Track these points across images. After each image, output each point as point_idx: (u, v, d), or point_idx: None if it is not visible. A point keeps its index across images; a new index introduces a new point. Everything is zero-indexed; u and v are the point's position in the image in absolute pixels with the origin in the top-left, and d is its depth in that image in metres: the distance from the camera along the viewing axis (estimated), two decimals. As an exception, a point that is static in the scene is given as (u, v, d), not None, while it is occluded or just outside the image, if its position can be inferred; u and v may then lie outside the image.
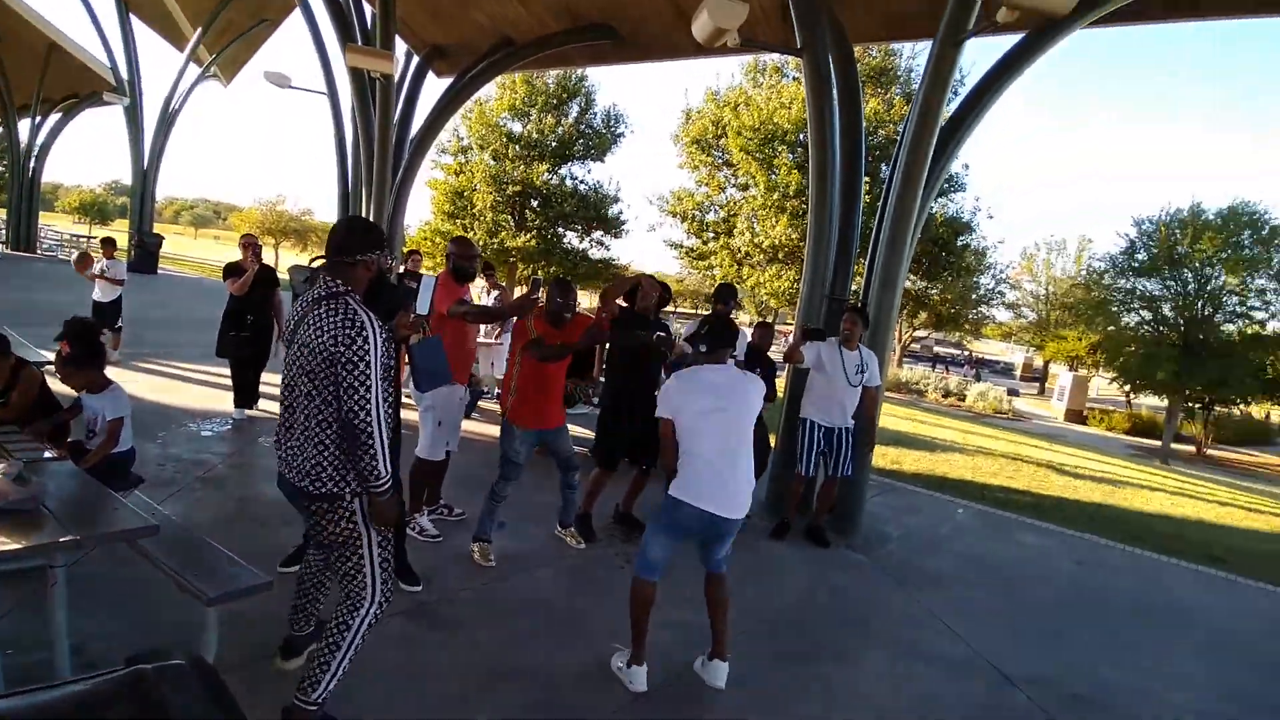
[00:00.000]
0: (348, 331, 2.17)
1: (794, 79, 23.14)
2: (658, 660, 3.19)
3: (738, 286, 26.48)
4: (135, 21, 17.71)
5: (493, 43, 10.16)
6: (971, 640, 4.01)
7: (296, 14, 11.30)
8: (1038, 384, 43.16)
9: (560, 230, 27.26)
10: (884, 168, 20.92)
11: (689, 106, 26.73)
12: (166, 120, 18.68)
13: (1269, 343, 26.46)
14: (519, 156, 25.36)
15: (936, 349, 50.88)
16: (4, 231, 21.46)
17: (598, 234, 28.06)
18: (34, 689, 0.87)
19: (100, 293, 8.00)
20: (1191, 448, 28.63)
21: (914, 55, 22.86)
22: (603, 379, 5.26)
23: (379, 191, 9.62)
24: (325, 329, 2.18)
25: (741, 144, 23.43)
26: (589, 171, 27.82)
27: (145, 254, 19.09)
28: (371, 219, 9.33)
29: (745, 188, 25.66)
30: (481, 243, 24.23)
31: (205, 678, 1.01)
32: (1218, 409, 29.36)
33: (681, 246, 28.01)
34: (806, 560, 4.94)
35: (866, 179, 6.00)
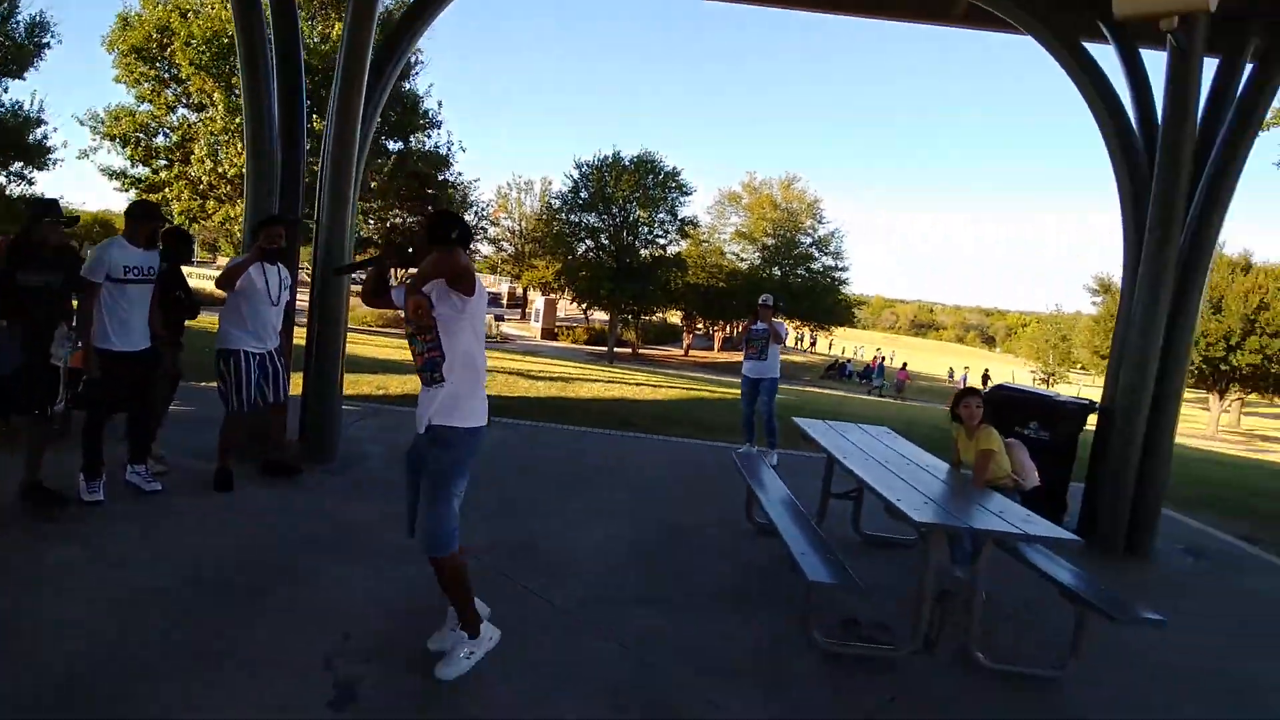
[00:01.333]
0: None
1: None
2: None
3: (201, 224, 22.75)
4: None
5: None
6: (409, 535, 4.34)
7: None
8: (520, 310, 48.42)
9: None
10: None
11: (126, 9, 21.25)
12: None
13: (669, 263, 34.97)
14: None
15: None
16: None
17: (17, 165, 21.04)
18: None
19: None
20: (629, 350, 36.16)
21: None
22: None
23: None
24: None
25: (192, 56, 19.80)
26: (5, 90, 20.42)
27: None
28: None
29: (201, 108, 21.86)
30: None
31: None
32: (644, 317, 37.76)
33: (127, 177, 22.69)
34: (268, 492, 4.65)
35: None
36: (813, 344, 54.42)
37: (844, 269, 38.84)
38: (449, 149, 27.42)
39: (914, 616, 3.36)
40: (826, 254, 38.66)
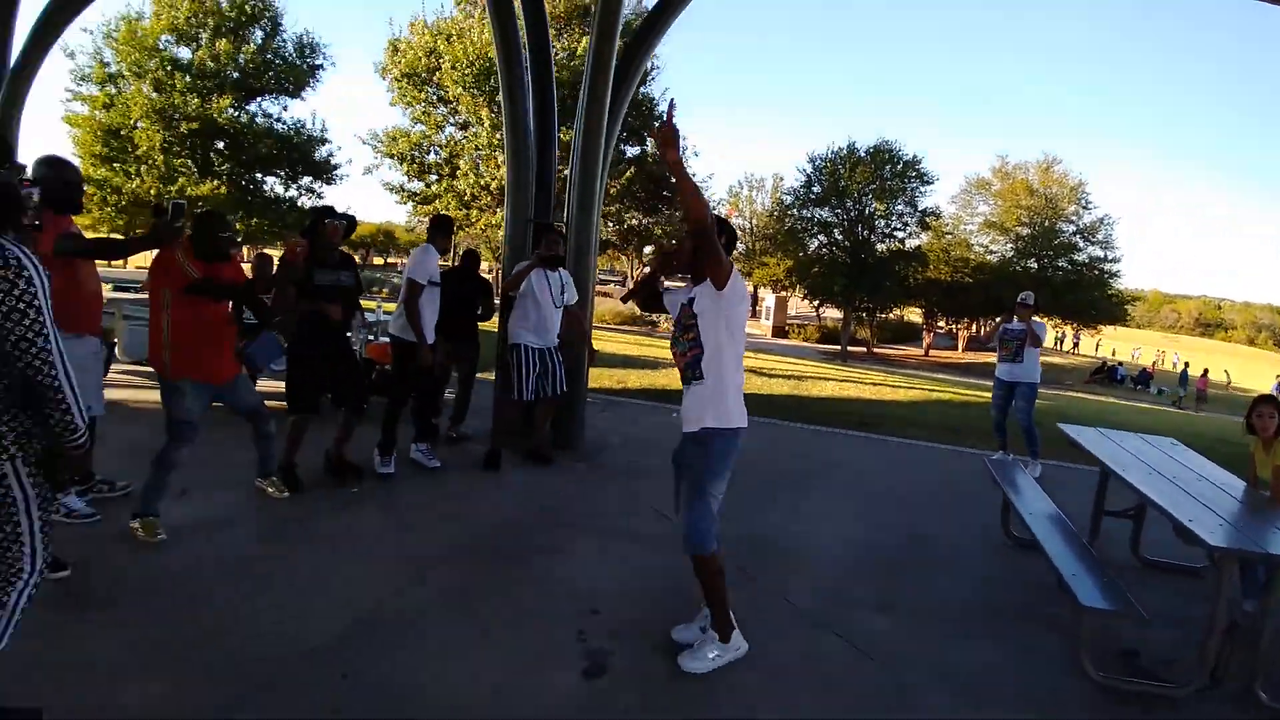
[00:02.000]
0: (2, 273, 1.83)
1: (508, 10, 22.50)
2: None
3: (465, 230, 25.79)
4: None
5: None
6: (671, 515, 4.49)
7: None
8: (750, 307, 48.55)
9: (259, 176, 24.09)
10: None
11: (396, 37, 24.68)
12: None
13: (908, 257, 32.77)
14: (190, 88, 21.59)
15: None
16: None
17: (306, 179, 25.22)
18: None
19: None
20: (864, 348, 34.53)
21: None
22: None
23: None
24: None
25: (458, 78, 22.40)
26: (285, 109, 24.74)
27: None
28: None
29: (466, 126, 24.69)
30: (153, 190, 20.53)
31: None
32: (880, 315, 35.84)
33: (404, 190, 26.37)
34: (527, 475, 5.11)
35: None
36: (1075, 344, 47.88)
37: (1114, 260, 33.76)
38: (682, 152, 28.23)
39: (1201, 651, 2.90)
40: (1094, 243, 33.86)
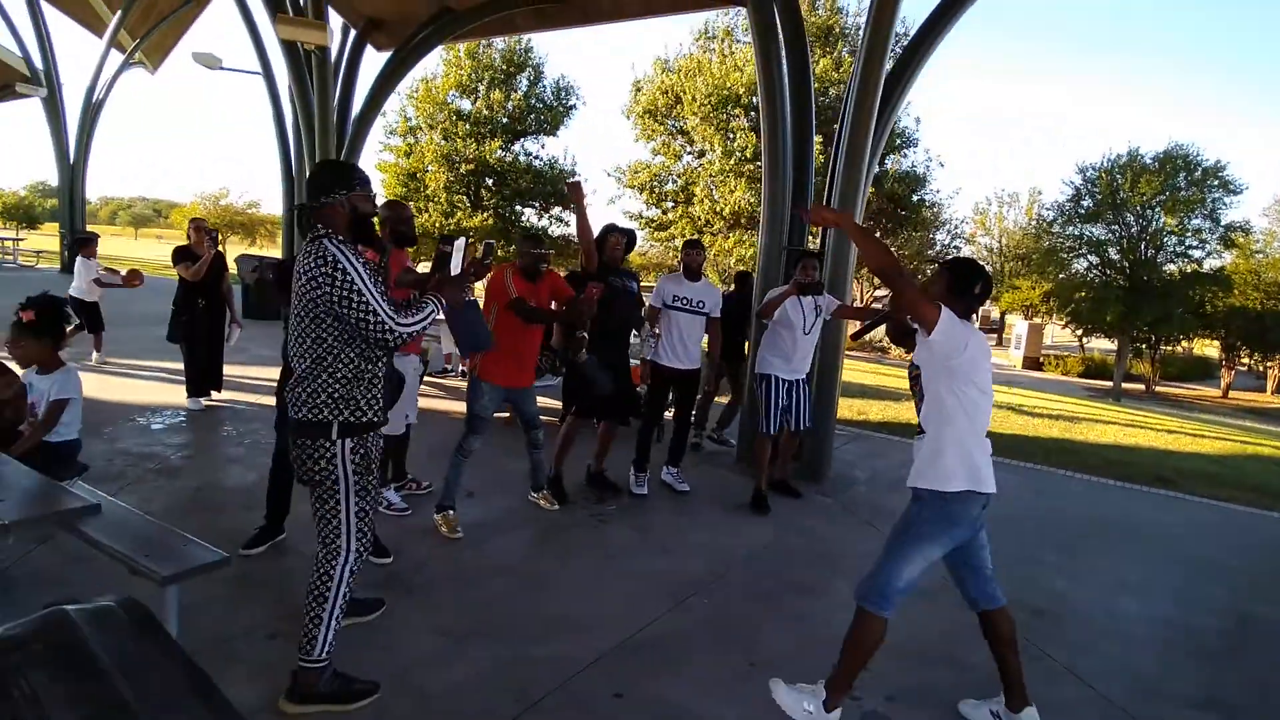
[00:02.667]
0: (324, 269, 2.20)
1: (746, 43, 23.01)
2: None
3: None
4: (46, 8, 16.75)
5: (431, 11, 9.87)
6: (938, 566, 4.12)
7: (222, -8, 10.82)
8: (995, 335, 44.11)
9: (518, 208, 26.87)
10: (837, 129, 20.97)
11: (638, 78, 26.45)
12: (90, 112, 17.80)
13: (1205, 280, 27.47)
14: (470, 134, 24.81)
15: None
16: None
17: (556, 210, 27.68)
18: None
19: (83, 291, 7.56)
20: (1141, 385, 29.63)
21: (859, 12, 22.89)
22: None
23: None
24: (301, 271, 2.25)
25: (696, 110, 23.27)
26: (543, 146, 27.37)
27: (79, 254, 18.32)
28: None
29: (702, 155, 25.51)
30: (437, 224, 23.79)
31: (136, 617, 0.96)
32: (1164, 347, 30.48)
33: (641, 218, 27.86)
34: (776, 507, 5.00)
35: (818, 139, 5.98)
36: None
37: None
38: (926, 168, 26.64)
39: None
40: None
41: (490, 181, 25.82)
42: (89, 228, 19.12)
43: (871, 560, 4.16)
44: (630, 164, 27.07)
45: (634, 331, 4.78)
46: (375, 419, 2.42)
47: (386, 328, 2.24)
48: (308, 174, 2.48)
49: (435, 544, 3.86)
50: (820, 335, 5.12)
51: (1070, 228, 30.36)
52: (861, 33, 5.42)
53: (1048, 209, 32.63)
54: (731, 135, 23.08)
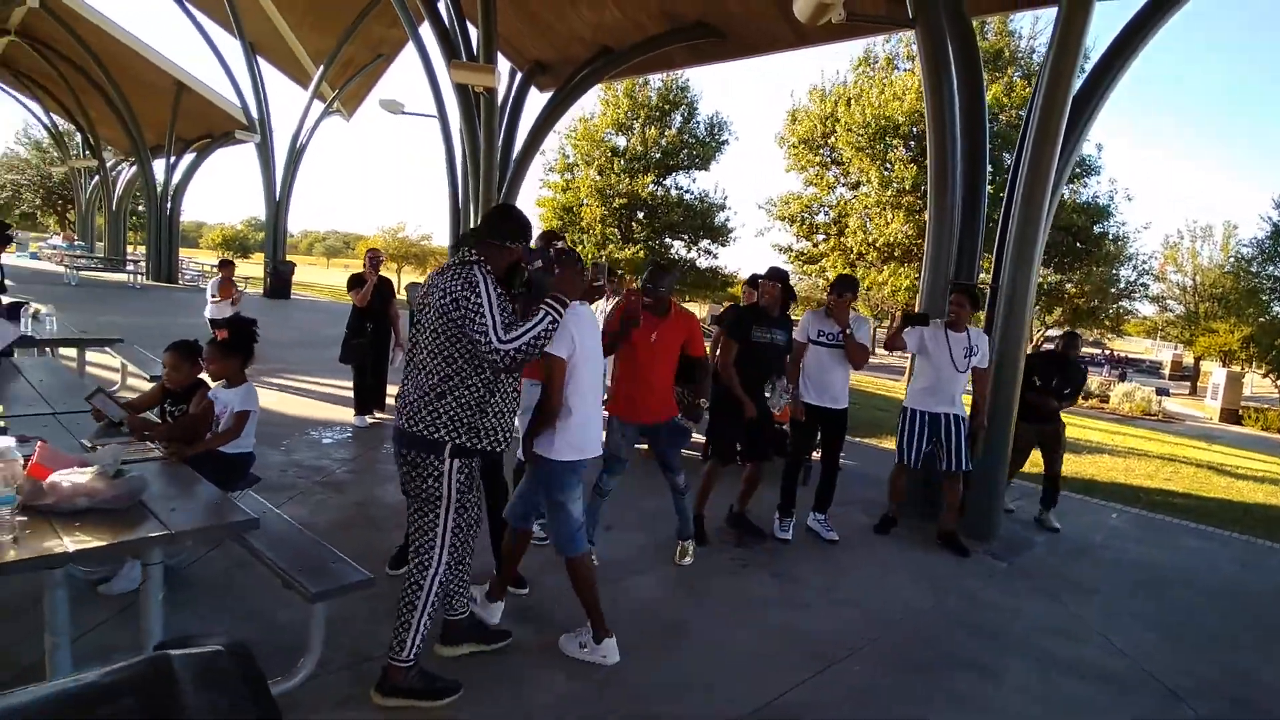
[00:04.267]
0: (463, 290, 2.34)
1: (906, 70, 22.18)
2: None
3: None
4: (262, 63, 19.22)
5: (592, 53, 10.26)
6: (1128, 650, 3.56)
7: (409, 48, 11.87)
8: (1188, 382, 38.90)
9: (667, 240, 27.33)
10: (1006, 156, 19.60)
11: (794, 107, 26.12)
12: (295, 155, 20.14)
13: None
14: (624, 170, 25.67)
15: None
16: (145, 264, 23.41)
17: (705, 242, 27.94)
18: (40, 686, 0.76)
19: (214, 310, 8.22)
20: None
21: (1034, 35, 21.40)
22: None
23: (485, 208, 9.88)
24: (445, 290, 2.38)
25: (852, 140, 22.66)
26: (694, 180, 27.78)
27: (279, 281, 20.65)
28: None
29: (856, 185, 24.78)
30: (590, 255, 24.65)
31: (242, 668, 0.89)
32: None
33: (791, 250, 27.40)
34: (938, 565, 4.51)
35: (989, 168, 5.48)
36: None
37: None
38: (1110, 198, 24.18)
39: None
40: None
41: (641, 215, 26.48)
42: (289, 258, 21.59)
43: (1047, 636, 3.67)
44: (781, 195, 26.78)
45: (768, 382, 4.52)
46: (489, 448, 2.50)
47: (493, 346, 2.30)
48: (489, 210, 2.74)
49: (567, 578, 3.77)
50: (995, 374, 4.90)
51: (1270, 266, 26.47)
52: (1047, 48, 4.92)
53: (1246, 245, 28.66)
54: (889, 166, 22.22)
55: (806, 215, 26.16)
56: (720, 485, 4.61)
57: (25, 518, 2.06)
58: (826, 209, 26.28)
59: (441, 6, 9.34)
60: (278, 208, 20.50)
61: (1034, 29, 21.43)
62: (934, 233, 5.46)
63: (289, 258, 21.73)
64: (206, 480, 2.63)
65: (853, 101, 23.11)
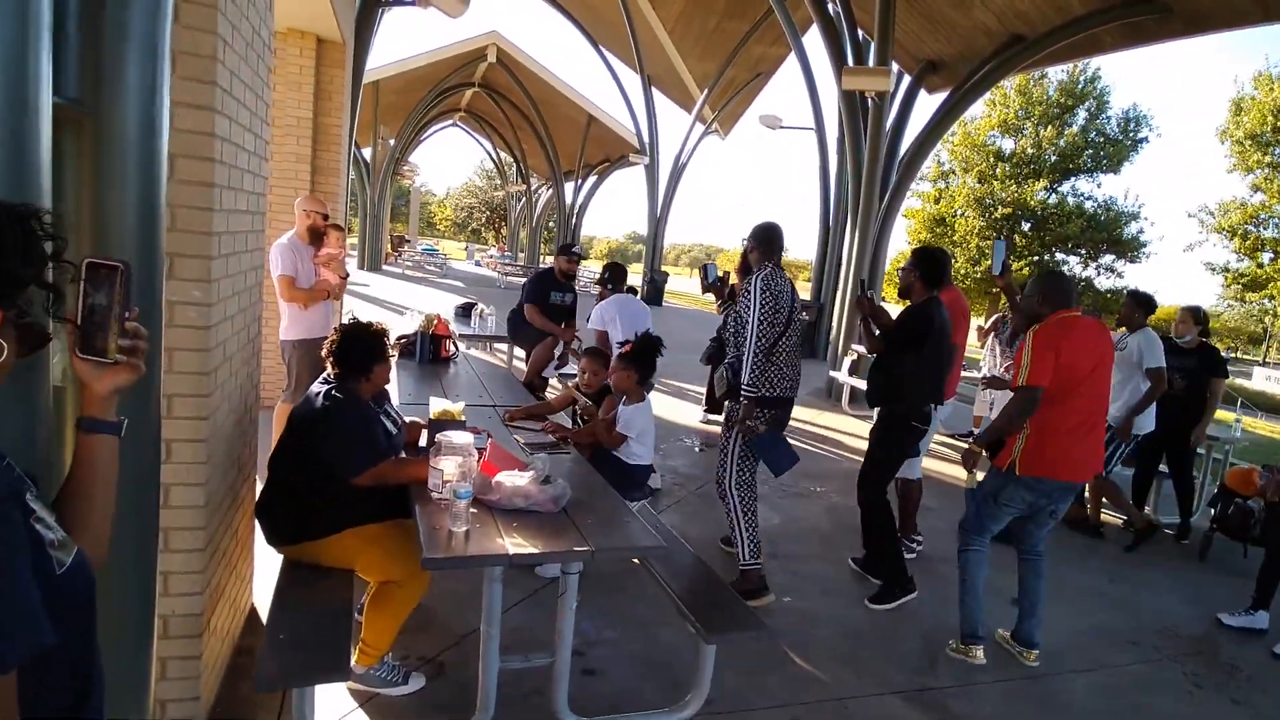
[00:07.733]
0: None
1: None
2: None
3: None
4: (655, 92, 21.16)
5: (998, 44, 9.08)
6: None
7: (783, 66, 11.89)
8: None
9: (1058, 256, 23.67)
10: None
11: (1239, 95, 20.45)
12: (675, 174, 21.81)
13: None
14: (1009, 176, 22.82)
15: None
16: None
17: (1107, 258, 23.54)
18: None
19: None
20: None
21: None
22: None
23: (864, 218, 9.38)
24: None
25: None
26: (1098, 185, 23.59)
27: (655, 289, 22.63)
28: (856, 247, 9.17)
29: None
30: (963, 271, 22.46)
31: None
32: None
33: (1229, 271, 21.65)
34: None
35: None
36: None
37: None
38: None
39: None
40: None
41: (1028, 226, 23.29)
42: (663, 268, 23.56)
43: None
44: (1220, 203, 21.41)
45: None
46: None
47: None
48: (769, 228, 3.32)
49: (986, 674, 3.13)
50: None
51: None
52: None
53: None
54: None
55: (1251, 228, 20.59)
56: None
57: (475, 510, 2.22)
58: (1278, 220, 20.32)
59: (831, 10, 9.08)
60: (657, 224, 22.48)
61: None
62: None
63: (664, 268, 23.72)
64: (610, 486, 2.66)
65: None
